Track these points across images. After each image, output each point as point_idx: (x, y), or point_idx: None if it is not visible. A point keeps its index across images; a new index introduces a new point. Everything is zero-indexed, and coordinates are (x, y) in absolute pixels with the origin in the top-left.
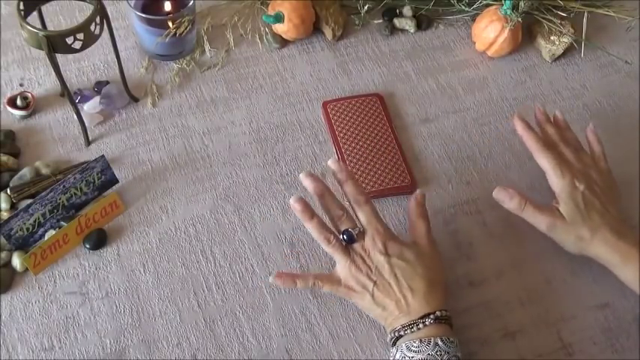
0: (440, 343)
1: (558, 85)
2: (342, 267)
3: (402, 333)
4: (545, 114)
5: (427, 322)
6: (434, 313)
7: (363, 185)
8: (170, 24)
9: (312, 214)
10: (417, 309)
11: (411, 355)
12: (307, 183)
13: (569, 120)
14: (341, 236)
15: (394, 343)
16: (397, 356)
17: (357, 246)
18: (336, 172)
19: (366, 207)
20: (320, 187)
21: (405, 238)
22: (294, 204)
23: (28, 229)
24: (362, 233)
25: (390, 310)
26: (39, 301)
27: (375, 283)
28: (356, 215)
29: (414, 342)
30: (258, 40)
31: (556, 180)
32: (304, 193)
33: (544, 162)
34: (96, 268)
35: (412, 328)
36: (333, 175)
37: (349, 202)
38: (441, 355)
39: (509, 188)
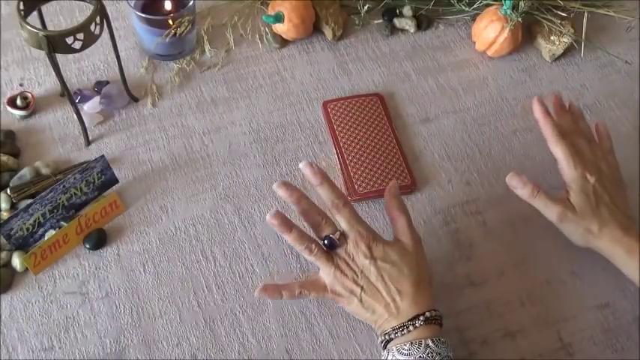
0: (431, 344)
1: (558, 85)
2: (326, 274)
3: (392, 336)
4: (562, 102)
5: (417, 324)
6: (423, 314)
7: (363, 185)
8: (170, 24)
9: (290, 226)
10: (406, 311)
11: (403, 359)
12: (282, 193)
13: None
14: (322, 243)
15: (385, 346)
16: (389, 358)
17: (340, 251)
18: (308, 176)
19: (344, 210)
20: (295, 194)
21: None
22: (270, 220)
23: (28, 229)
24: (343, 237)
25: (380, 313)
26: (39, 301)
27: (362, 288)
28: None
29: (405, 345)
30: (258, 40)
31: (568, 170)
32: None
33: (558, 151)
34: (96, 268)
35: (402, 330)
36: (307, 180)
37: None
38: (432, 356)
39: (522, 175)
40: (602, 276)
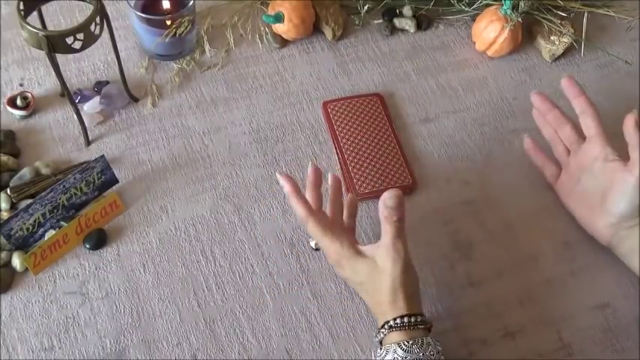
0: (399, 350)
1: (558, 85)
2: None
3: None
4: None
5: (383, 333)
6: (387, 322)
7: (364, 185)
8: (170, 24)
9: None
10: (377, 317)
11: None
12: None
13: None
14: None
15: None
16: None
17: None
18: (389, 207)
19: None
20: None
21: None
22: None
23: (28, 229)
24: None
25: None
26: (39, 301)
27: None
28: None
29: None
30: (258, 40)
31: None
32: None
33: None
34: (96, 268)
35: (376, 337)
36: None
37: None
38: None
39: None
40: (602, 276)
